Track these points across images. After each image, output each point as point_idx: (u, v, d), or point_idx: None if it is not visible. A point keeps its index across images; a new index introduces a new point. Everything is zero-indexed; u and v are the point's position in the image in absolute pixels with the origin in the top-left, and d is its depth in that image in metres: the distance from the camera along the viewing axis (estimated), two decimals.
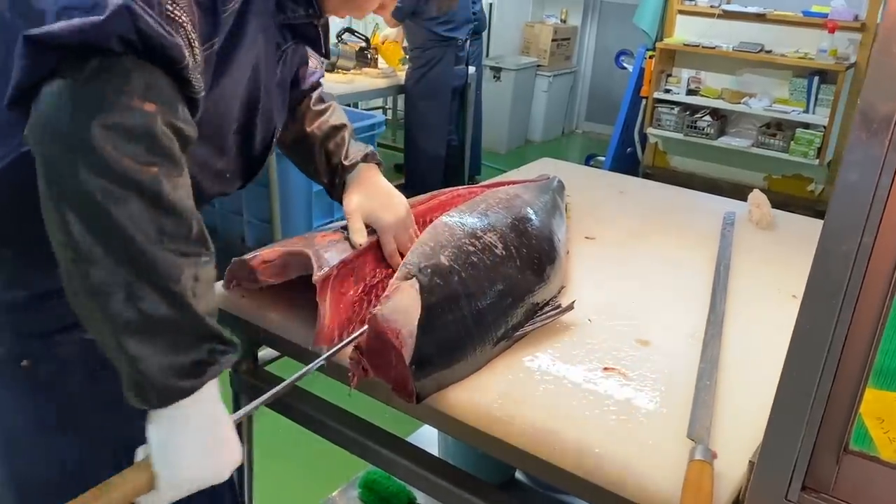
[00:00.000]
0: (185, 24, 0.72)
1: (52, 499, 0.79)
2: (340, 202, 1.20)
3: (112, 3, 0.64)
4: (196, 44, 0.74)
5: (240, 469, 1.41)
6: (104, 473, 0.76)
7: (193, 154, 0.78)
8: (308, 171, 1.24)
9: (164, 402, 0.73)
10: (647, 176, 5.16)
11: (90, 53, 0.65)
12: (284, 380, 1.34)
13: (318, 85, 1.24)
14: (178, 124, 0.71)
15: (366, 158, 1.19)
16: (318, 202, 3.33)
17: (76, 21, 0.64)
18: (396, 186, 1.26)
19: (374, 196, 1.17)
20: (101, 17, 0.64)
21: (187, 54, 0.70)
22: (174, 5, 0.71)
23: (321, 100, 1.24)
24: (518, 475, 1.73)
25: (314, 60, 1.23)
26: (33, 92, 0.66)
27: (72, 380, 0.91)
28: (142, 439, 0.77)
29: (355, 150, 1.20)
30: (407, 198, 1.26)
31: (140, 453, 0.77)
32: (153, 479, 0.75)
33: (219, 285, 1.26)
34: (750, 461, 0.84)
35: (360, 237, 1.13)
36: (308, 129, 1.20)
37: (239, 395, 1.35)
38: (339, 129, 1.20)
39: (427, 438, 1.77)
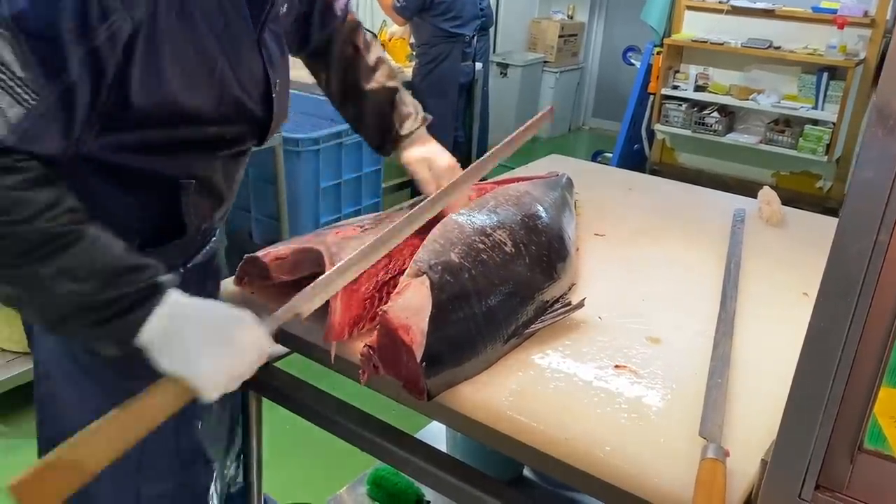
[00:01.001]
0: None
1: None
2: (384, 155, 1.35)
3: None
4: (20, 89, 0.79)
5: (248, 466, 1.43)
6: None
7: (169, 136, 0.89)
8: (352, 125, 1.35)
9: (129, 333, 0.81)
10: (654, 172, 5.14)
11: None
12: (293, 376, 1.35)
13: (348, 10, 1.30)
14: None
15: (420, 124, 1.34)
16: (326, 199, 3.33)
17: None
18: (402, 184, 1.33)
19: (429, 149, 1.32)
20: None
21: None
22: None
23: (367, 46, 1.31)
24: (526, 472, 1.73)
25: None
26: None
27: (113, 367, 1.01)
28: None
29: (407, 114, 1.32)
30: (414, 195, 1.28)
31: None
32: (180, 387, 0.81)
33: (229, 282, 1.26)
34: (762, 460, 0.84)
35: (432, 186, 1.29)
36: (363, 87, 1.29)
37: (248, 390, 1.36)
38: (392, 91, 1.31)
39: (435, 435, 1.78)
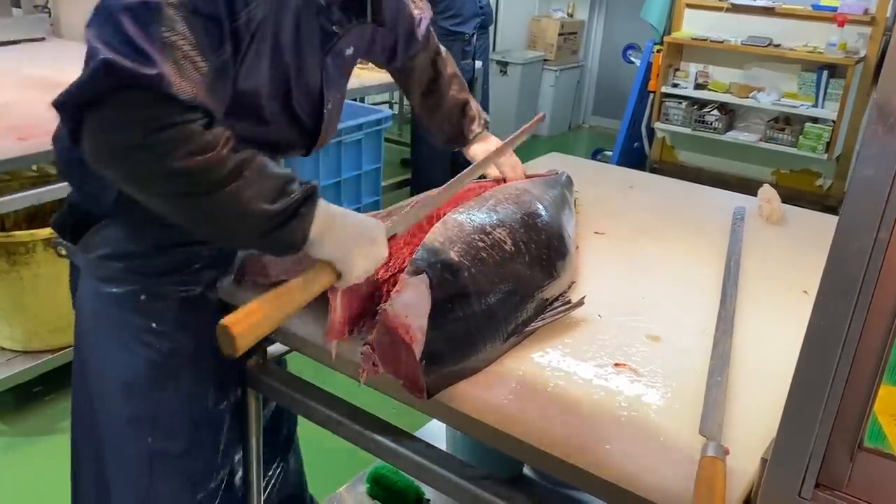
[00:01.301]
0: (180, 46, 0.88)
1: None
2: (450, 150, 1.60)
3: (95, 60, 0.84)
4: (197, 57, 0.90)
5: (247, 464, 1.42)
6: (186, 368, 1.18)
7: (235, 128, 0.96)
8: (426, 123, 1.58)
9: (303, 232, 0.96)
10: (654, 170, 5.14)
11: (91, 102, 0.86)
12: (294, 375, 1.35)
13: (430, 34, 1.52)
14: (176, 121, 0.87)
15: (483, 128, 1.57)
16: (326, 197, 3.32)
17: (71, 86, 0.86)
18: (401, 182, 1.40)
19: (489, 145, 1.55)
20: (85, 78, 0.85)
21: (172, 73, 0.86)
22: (170, 31, 0.87)
23: (444, 64, 1.56)
24: (526, 470, 1.73)
25: (415, 9, 1.49)
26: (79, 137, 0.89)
27: (172, 310, 1.18)
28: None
29: (472, 119, 1.56)
30: (413, 193, 1.33)
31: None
32: (333, 268, 0.98)
33: (228, 280, 1.26)
34: (762, 458, 0.84)
35: (494, 170, 1.56)
36: (441, 100, 1.54)
37: (246, 390, 1.35)
38: (463, 102, 1.55)
39: (435, 433, 1.78)
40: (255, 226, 0.93)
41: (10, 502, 2.03)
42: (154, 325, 1.18)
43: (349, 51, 1.25)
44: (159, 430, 1.22)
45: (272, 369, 1.35)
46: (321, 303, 1.15)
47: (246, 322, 0.88)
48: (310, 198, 0.97)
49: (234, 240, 0.99)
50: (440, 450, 1.19)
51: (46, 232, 2.19)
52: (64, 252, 1.24)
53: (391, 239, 1.07)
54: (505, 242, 1.16)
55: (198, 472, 1.29)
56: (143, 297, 1.17)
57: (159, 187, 0.90)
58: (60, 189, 2.19)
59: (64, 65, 2.93)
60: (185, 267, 1.18)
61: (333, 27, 1.17)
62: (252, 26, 0.99)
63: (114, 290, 1.17)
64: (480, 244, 1.12)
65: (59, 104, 0.87)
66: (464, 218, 1.17)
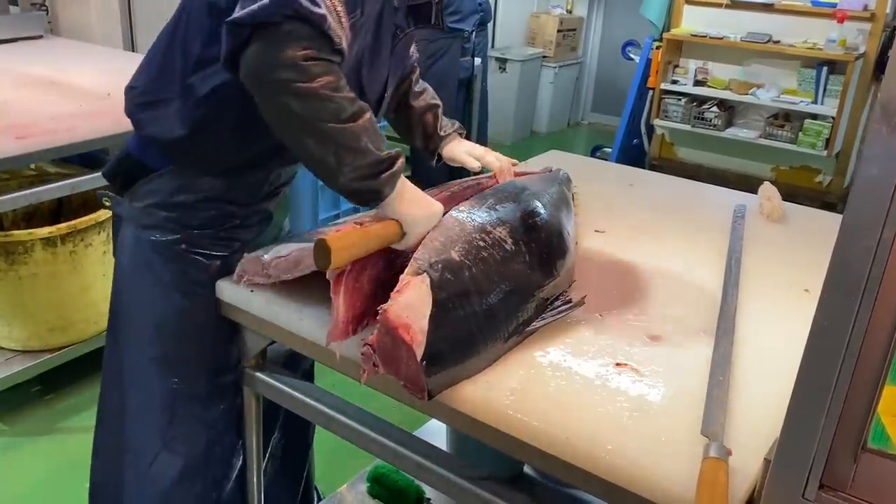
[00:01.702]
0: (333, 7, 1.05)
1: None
2: (428, 161, 1.61)
3: None
4: (343, 13, 1.07)
5: (247, 464, 1.42)
6: (214, 321, 1.29)
7: None
8: (403, 134, 1.61)
9: (392, 186, 1.09)
10: (653, 167, 5.13)
11: (265, 25, 0.99)
12: (292, 376, 1.35)
13: (415, 67, 1.58)
14: (327, 57, 1.03)
15: (456, 130, 1.60)
16: (325, 195, 3.32)
17: (253, 7, 0.98)
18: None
19: (466, 145, 1.58)
20: (266, 3, 0.98)
21: (331, 19, 1.02)
22: None
23: (418, 81, 1.60)
24: (526, 469, 1.73)
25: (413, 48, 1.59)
26: (239, 55, 1.01)
27: (206, 265, 1.28)
28: None
29: (446, 124, 1.60)
30: None
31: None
32: (400, 226, 1.10)
33: (228, 280, 1.26)
34: (765, 458, 0.84)
35: (475, 164, 1.55)
36: (412, 104, 1.56)
37: (244, 387, 1.35)
38: (434, 106, 1.58)
39: (435, 432, 1.77)
40: (362, 166, 1.05)
41: (10, 502, 2.03)
42: (189, 275, 1.27)
43: (407, 52, 1.42)
44: (183, 373, 1.32)
45: (270, 369, 1.34)
46: (323, 303, 1.15)
47: (342, 242, 1.00)
48: (400, 158, 1.10)
49: (335, 174, 1.06)
50: (441, 450, 1.18)
51: (45, 231, 2.18)
52: (108, 203, 1.32)
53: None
54: (505, 241, 1.16)
55: (217, 419, 1.36)
56: (182, 246, 1.26)
57: (299, 106, 1.01)
58: (59, 188, 2.19)
59: (62, 63, 2.93)
60: (224, 222, 1.28)
61: (397, 29, 1.31)
62: (367, 6, 1.15)
63: (156, 237, 1.26)
64: (481, 243, 1.11)
65: (239, 20, 0.99)
66: (464, 217, 1.17)
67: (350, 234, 1.04)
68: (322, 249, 0.98)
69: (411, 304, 0.94)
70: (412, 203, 1.12)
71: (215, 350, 1.33)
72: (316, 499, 1.81)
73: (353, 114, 1.04)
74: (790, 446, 0.74)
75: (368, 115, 1.08)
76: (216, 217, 1.27)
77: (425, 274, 0.98)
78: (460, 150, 1.56)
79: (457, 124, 1.61)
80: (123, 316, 1.35)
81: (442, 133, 1.57)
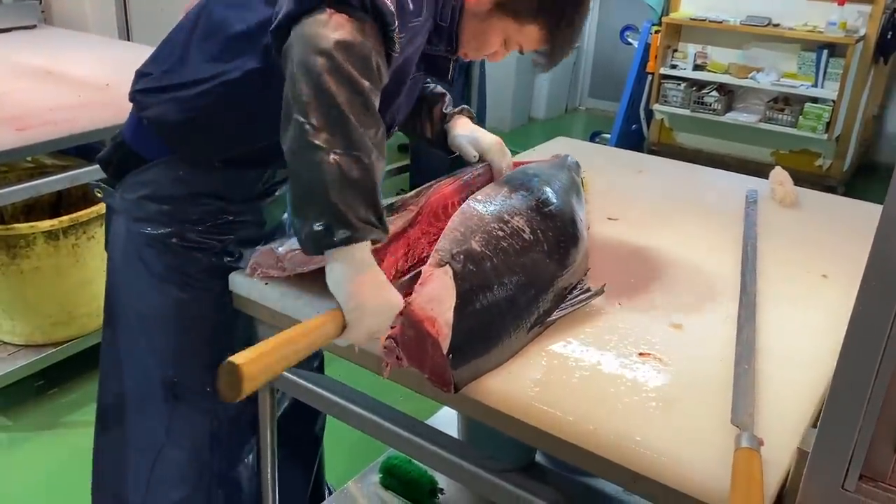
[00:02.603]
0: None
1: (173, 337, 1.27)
2: (442, 147, 1.51)
3: None
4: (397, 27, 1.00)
5: (262, 458, 1.41)
6: (209, 312, 1.27)
7: None
8: (413, 123, 1.52)
9: (351, 239, 0.91)
10: (652, 153, 5.11)
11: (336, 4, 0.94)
12: (307, 370, 1.33)
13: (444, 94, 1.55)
14: (380, 63, 0.97)
15: (461, 112, 1.52)
16: None
17: None
18: (400, 168, 1.46)
19: (474, 129, 1.49)
20: None
21: (395, 23, 0.97)
22: None
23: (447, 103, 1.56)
24: (539, 457, 1.72)
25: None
26: (294, 22, 0.94)
27: (199, 258, 1.25)
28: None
29: (451, 102, 1.54)
30: (412, 179, 1.38)
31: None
32: (342, 320, 0.92)
33: (240, 273, 1.24)
34: (799, 448, 0.83)
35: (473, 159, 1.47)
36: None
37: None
38: (442, 95, 1.53)
39: (447, 420, 1.76)
40: (325, 203, 0.90)
41: (13, 497, 2.02)
42: (182, 267, 1.25)
43: (414, 94, 1.39)
44: (181, 366, 1.30)
45: None
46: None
47: (256, 365, 0.80)
48: (376, 231, 0.93)
49: (305, 195, 0.93)
50: (455, 439, 1.17)
51: (47, 224, 2.15)
52: (100, 194, 1.29)
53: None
54: (524, 231, 1.14)
55: (219, 413, 1.34)
56: (174, 239, 1.23)
57: (336, 89, 0.91)
58: (58, 181, 2.16)
59: (57, 53, 2.89)
60: (216, 218, 1.25)
61: (417, 69, 1.28)
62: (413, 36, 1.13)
63: (148, 230, 1.24)
64: (500, 233, 1.09)
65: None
66: (481, 207, 1.15)
67: (267, 350, 0.83)
68: (230, 376, 0.79)
69: (436, 296, 0.93)
70: (371, 286, 0.93)
71: (213, 343, 1.31)
72: (327, 493, 1.80)
73: (360, 143, 0.92)
74: (830, 437, 0.73)
75: (378, 163, 0.95)
76: (209, 212, 1.25)
77: (448, 265, 0.96)
78: (463, 135, 1.47)
79: (464, 106, 1.56)
80: (119, 309, 1.34)
81: (446, 111, 1.51)
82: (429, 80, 1.52)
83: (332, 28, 0.92)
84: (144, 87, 1.22)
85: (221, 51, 1.14)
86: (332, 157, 0.89)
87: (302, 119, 0.90)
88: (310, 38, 0.92)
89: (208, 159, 1.21)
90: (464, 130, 1.48)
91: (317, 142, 0.89)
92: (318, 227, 0.90)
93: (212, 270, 1.26)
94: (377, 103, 0.97)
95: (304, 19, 0.94)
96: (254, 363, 0.79)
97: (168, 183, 1.22)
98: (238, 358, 0.78)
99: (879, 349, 0.69)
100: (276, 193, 1.36)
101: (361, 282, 0.92)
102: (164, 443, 1.34)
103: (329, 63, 0.91)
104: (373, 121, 0.94)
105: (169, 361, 1.30)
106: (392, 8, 0.98)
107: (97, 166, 2.23)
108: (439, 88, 1.55)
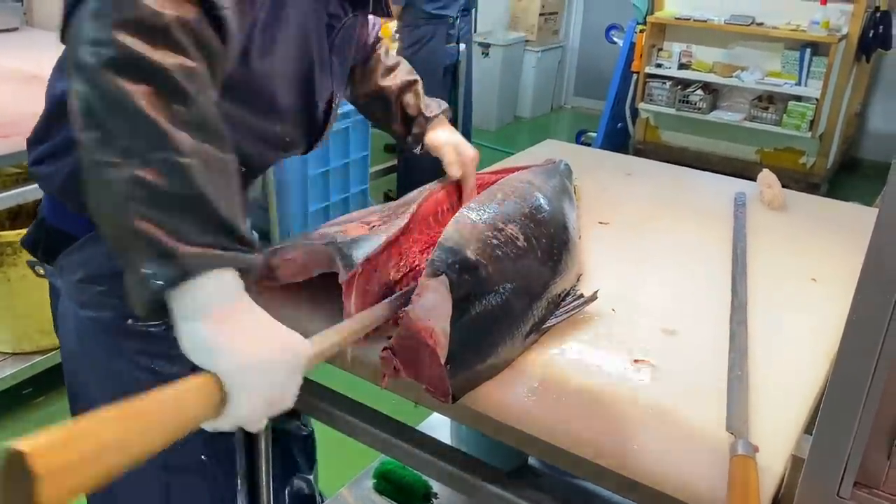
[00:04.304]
0: None
1: None
2: (412, 149, 1.40)
3: None
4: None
5: (252, 463, 1.40)
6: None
7: (248, 122, 0.93)
8: (381, 122, 1.41)
9: (186, 275, 0.66)
10: (638, 152, 5.14)
11: None
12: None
13: (378, 39, 1.38)
14: (197, 30, 0.72)
15: (443, 112, 1.40)
16: (314, 187, 3.29)
17: None
18: (387, 169, 1.43)
19: (455, 133, 1.40)
20: None
21: None
22: None
23: (388, 54, 1.38)
24: (531, 460, 1.73)
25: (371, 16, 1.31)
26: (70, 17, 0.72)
27: (163, 332, 1.00)
28: None
29: (432, 103, 1.39)
30: (400, 182, 1.33)
31: None
32: (219, 392, 0.66)
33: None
34: (793, 455, 0.84)
35: (457, 171, 1.36)
36: (382, 84, 1.36)
37: None
38: (412, 83, 1.37)
39: (438, 424, 1.76)
40: (132, 235, 0.66)
41: None
42: (147, 350, 1.06)
43: (348, 45, 1.19)
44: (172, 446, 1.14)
45: None
46: (329, 305, 1.13)
47: (59, 456, 0.51)
48: (228, 255, 0.69)
49: (113, 236, 0.69)
50: (448, 445, 1.17)
51: None
52: (42, 272, 1.12)
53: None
54: (517, 238, 1.14)
55: (217, 478, 1.23)
56: (129, 321, 1.04)
57: (95, 100, 0.68)
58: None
59: (41, 56, 2.85)
60: None
61: (331, 19, 1.10)
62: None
63: (98, 315, 1.06)
64: (495, 241, 1.10)
65: None
66: (475, 215, 1.15)
67: (79, 441, 0.54)
68: (20, 481, 0.48)
69: (432, 306, 0.93)
70: (247, 343, 0.68)
71: None
72: (319, 500, 1.79)
73: (210, 130, 0.71)
74: (825, 445, 0.74)
75: (224, 157, 0.73)
76: None
77: (444, 275, 0.96)
78: (444, 139, 1.36)
79: (443, 105, 1.42)
80: (86, 401, 1.15)
81: (428, 114, 1.37)
82: (378, 37, 1.37)
83: (104, 12, 0.69)
84: (33, 158, 1.04)
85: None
86: (125, 172, 0.65)
87: (81, 135, 0.68)
88: (78, 29, 0.70)
89: None
90: (446, 130, 1.38)
91: (99, 157, 0.66)
92: (144, 270, 0.66)
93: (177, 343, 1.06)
94: (214, 77, 0.75)
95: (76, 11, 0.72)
96: (52, 454, 0.50)
97: (100, 261, 1.01)
98: (25, 444, 0.49)
99: (874, 357, 0.70)
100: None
101: (233, 322, 0.68)
102: None
103: (103, 53, 0.67)
104: (191, 102, 0.69)
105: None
106: None
107: None
108: (404, 68, 1.39)
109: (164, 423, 0.61)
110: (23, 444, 0.48)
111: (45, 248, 1.06)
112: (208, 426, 0.68)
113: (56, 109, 0.99)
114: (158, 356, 1.06)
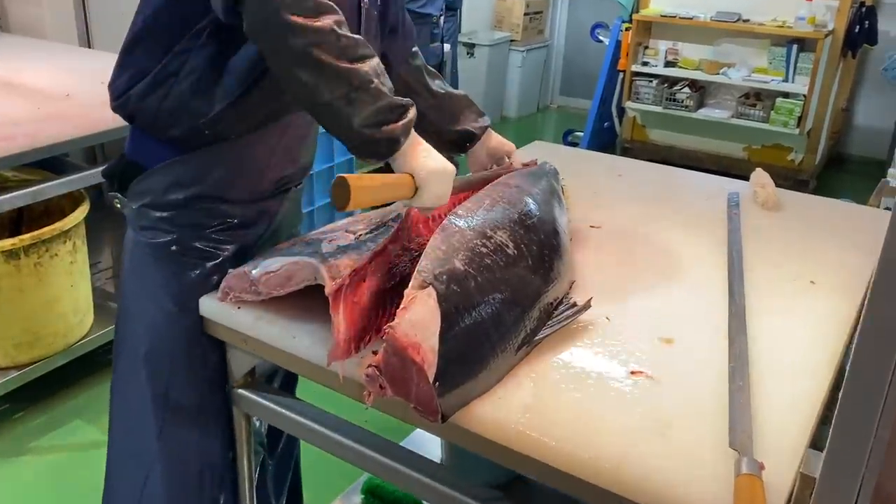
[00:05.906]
0: None
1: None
2: (457, 151, 1.54)
3: None
4: None
5: (238, 484, 1.35)
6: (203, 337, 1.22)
7: None
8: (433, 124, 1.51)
9: (407, 134, 1.04)
10: (625, 150, 5.11)
11: None
12: (282, 393, 1.27)
13: (413, 44, 1.53)
14: None
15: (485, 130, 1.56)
16: (306, 190, 3.23)
17: None
18: (374, 171, 1.44)
19: (502, 141, 1.58)
20: None
21: None
22: None
23: (429, 71, 1.54)
24: None
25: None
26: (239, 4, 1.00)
27: (197, 268, 1.21)
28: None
29: (481, 113, 1.56)
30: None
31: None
32: (413, 181, 1.04)
33: (212, 297, 1.18)
34: (803, 473, 0.80)
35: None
36: (442, 90, 1.53)
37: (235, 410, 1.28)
38: (464, 98, 1.55)
39: (426, 439, 1.71)
40: (378, 110, 1.00)
41: None
42: (180, 278, 1.21)
43: (374, 31, 1.32)
44: (174, 384, 1.26)
45: (260, 387, 1.27)
46: (315, 318, 1.08)
47: (361, 181, 0.96)
48: (413, 107, 1.05)
49: (349, 119, 1.00)
50: (437, 463, 1.13)
51: (7, 243, 2.06)
52: (119, 204, 1.28)
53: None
54: (507, 246, 1.10)
55: (209, 436, 1.29)
56: (174, 248, 1.20)
57: (310, 47, 0.97)
58: (21, 196, 2.08)
59: (16, 62, 2.78)
60: (214, 222, 1.21)
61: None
62: None
63: (149, 239, 1.22)
64: (483, 249, 1.05)
65: None
66: (463, 223, 1.10)
67: (365, 177, 0.99)
68: (341, 187, 0.94)
69: (419, 320, 0.88)
70: (428, 157, 1.06)
71: (206, 362, 1.25)
72: None
73: (363, 55, 1.01)
74: (838, 463, 0.70)
75: (377, 58, 1.04)
76: (210, 216, 1.20)
77: (431, 287, 0.92)
78: (487, 151, 1.53)
79: (487, 119, 1.57)
80: (122, 321, 1.32)
81: (480, 123, 1.54)
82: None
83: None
84: (126, 102, 1.19)
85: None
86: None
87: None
88: (262, 14, 0.97)
89: (207, 155, 1.18)
90: (489, 143, 1.54)
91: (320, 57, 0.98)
92: (371, 118, 0.99)
93: (206, 284, 1.21)
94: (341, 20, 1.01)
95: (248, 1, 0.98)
96: (359, 180, 0.96)
97: (165, 188, 1.19)
98: (348, 177, 0.95)
99: (890, 368, 0.66)
100: (288, 194, 1.33)
101: (424, 154, 1.06)
102: (153, 460, 1.28)
103: (297, 30, 0.96)
104: (355, 36, 1.01)
105: (162, 379, 1.25)
106: None
107: (61, 180, 2.18)
108: (449, 86, 1.54)
109: (394, 185, 1.04)
110: (346, 175, 0.95)
111: (121, 179, 1.23)
112: (406, 203, 1.08)
113: (149, 39, 1.16)
114: (186, 286, 1.21)
